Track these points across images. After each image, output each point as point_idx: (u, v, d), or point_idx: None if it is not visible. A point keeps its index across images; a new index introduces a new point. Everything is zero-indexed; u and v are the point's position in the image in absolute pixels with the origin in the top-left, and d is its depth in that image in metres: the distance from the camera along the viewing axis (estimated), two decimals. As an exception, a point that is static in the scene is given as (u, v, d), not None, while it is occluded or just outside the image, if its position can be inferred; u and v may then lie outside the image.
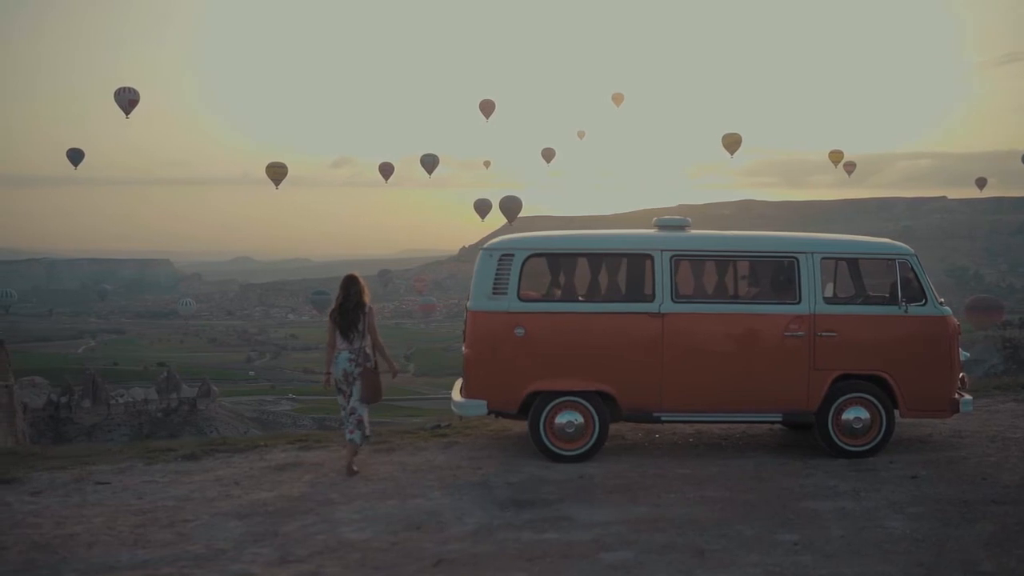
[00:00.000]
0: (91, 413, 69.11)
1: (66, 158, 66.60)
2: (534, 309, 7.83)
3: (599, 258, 8.25)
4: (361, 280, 7.71)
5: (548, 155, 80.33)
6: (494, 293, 7.79)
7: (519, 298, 7.78)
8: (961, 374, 8.08)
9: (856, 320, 7.89)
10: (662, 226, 8.27)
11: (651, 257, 7.83)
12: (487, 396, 7.77)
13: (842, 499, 6.64)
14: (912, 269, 7.93)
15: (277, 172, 66.26)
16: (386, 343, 7.78)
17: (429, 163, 71.51)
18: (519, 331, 7.71)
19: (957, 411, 7.94)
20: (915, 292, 7.90)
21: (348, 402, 7.55)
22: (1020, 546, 5.64)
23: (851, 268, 8.29)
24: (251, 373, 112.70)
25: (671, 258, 7.83)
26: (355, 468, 7.47)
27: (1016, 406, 10.16)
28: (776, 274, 8.13)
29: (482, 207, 74.30)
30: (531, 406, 7.75)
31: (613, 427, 8.01)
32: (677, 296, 7.80)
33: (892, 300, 7.90)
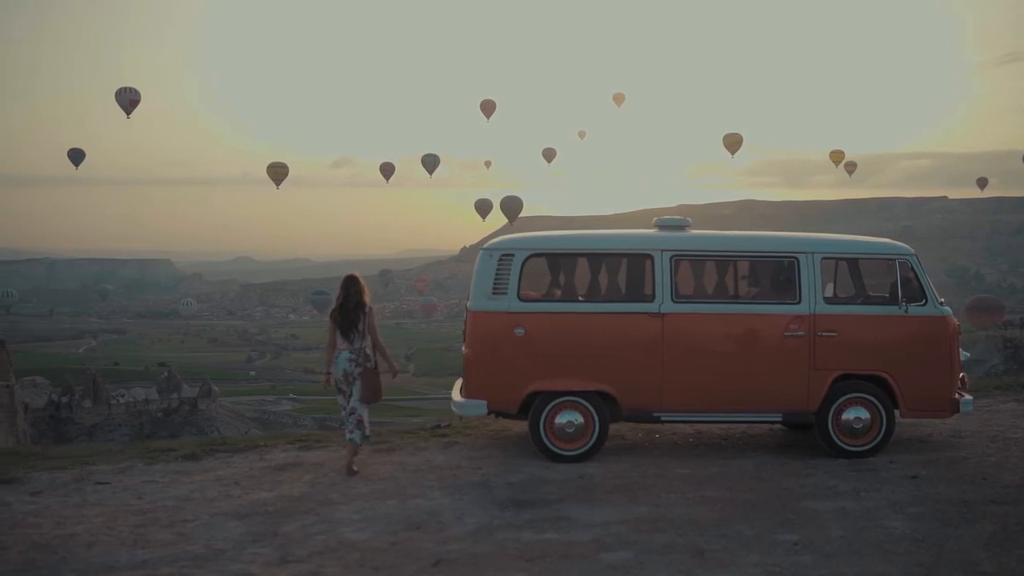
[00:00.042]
0: (92, 413, 69.10)
1: (67, 158, 66.66)
2: (534, 309, 7.83)
3: (599, 258, 8.25)
4: (361, 280, 7.71)
5: (549, 155, 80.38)
6: (494, 293, 7.79)
7: (519, 298, 7.78)
8: (961, 374, 8.08)
9: (856, 320, 7.89)
10: (662, 226, 8.27)
11: (651, 257, 7.83)
12: (487, 396, 7.77)
13: (842, 499, 6.64)
14: (912, 269, 7.93)
15: (278, 172, 66.29)
16: (386, 343, 7.79)
17: (430, 163, 71.53)
18: (519, 331, 7.71)
19: (957, 411, 7.94)
20: (915, 292, 7.90)
21: (348, 402, 7.55)
22: (1020, 546, 5.63)
23: (851, 268, 8.28)
24: (252, 373, 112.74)
25: (671, 258, 7.82)
26: (355, 468, 7.47)
27: (1017, 406, 10.16)
28: (776, 274, 8.12)
29: (483, 207, 74.33)
30: (531, 406, 7.75)
31: (613, 427, 8.01)
32: (677, 296, 7.80)
33: (892, 300, 7.89)
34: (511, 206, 70.04)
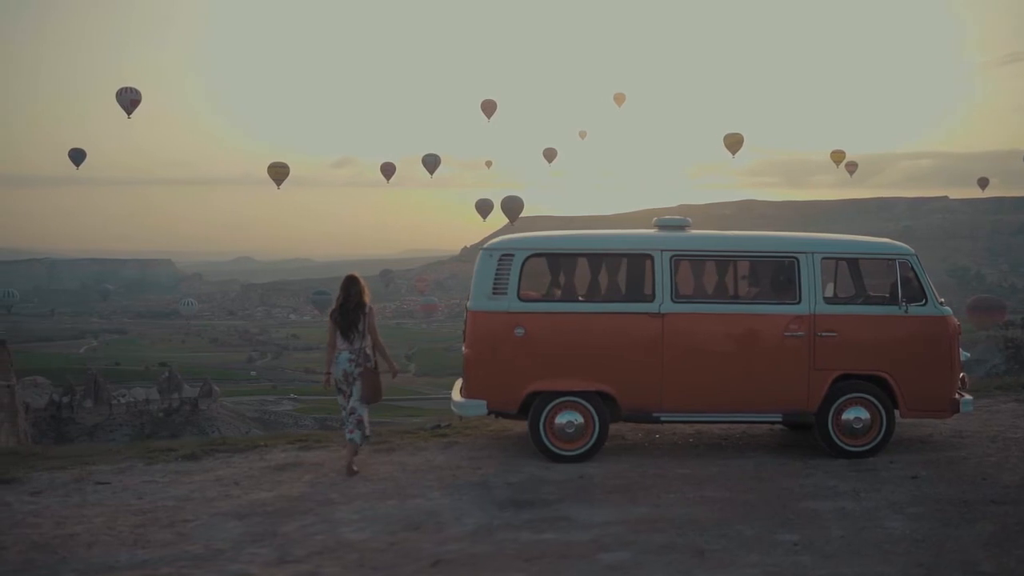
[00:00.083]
0: (93, 413, 69.11)
1: (68, 158, 66.76)
2: (534, 309, 7.83)
3: (599, 258, 8.24)
4: (361, 280, 7.72)
5: (550, 155, 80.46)
6: (494, 293, 7.79)
7: (519, 298, 7.78)
8: (961, 374, 8.08)
9: (856, 320, 7.89)
10: (662, 226, 8.27)
11: (651, 257, 7.83)
12: (487, 396, 7.77)
13: (842, 499, 6.63)
14: (912, 269, 7.92)
15: (279, 172, 66.36)
16: (387, 343, 7.79)
17: (431, 163, 71.60)
18: (519, 331, 7.71)
19: (957, 411, 7.94)
20: (915, 292, 7.90)
21: (348, 402, 7.56)
22: (1020, 546, 5.63)
23: (851, 268, 8.28)
24: (252, 373, 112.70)
25: (671, 258, 7.82)
26: (355, 468, 7.47)
27: (1017, 406, 10.15)
28: (776, 274, 8.12)
29: (484, 207, 74.38)
30: (531, 406, 7.75)
31: (613, 427, 8.01)
32: (677, 296, 7.80)
33: (892, 300, 7.89)
34: (512, 206, 70.10)
